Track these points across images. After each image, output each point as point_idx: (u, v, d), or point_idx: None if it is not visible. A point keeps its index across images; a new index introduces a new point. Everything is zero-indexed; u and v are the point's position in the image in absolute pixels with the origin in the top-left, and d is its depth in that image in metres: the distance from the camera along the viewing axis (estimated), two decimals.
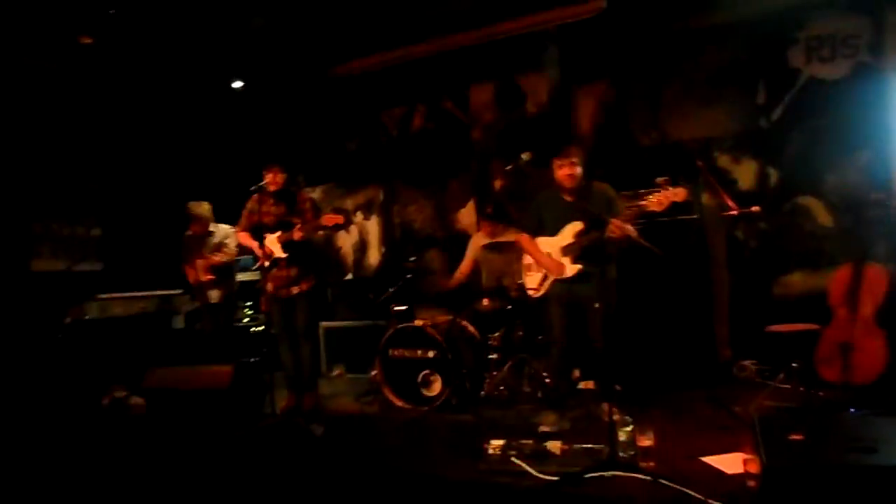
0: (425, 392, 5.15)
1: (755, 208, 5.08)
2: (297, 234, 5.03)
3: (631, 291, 4.67)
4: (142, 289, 6.71)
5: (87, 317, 6.26)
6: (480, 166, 7.10)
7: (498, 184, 6.93)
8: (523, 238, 4.80)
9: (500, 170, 6.79)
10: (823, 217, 5.63)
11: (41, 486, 3.91)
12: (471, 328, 5.50)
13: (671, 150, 6.12)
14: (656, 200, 3.95)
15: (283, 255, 5.13)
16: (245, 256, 6.12)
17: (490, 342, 5.34)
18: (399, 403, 5.24)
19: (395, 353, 5.30)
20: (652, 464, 3.40)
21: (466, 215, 7.13)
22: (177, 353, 6.21)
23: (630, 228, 4.23)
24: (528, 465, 3.53)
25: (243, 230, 5.38)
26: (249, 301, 7.01)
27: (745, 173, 5.91)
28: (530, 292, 4.82)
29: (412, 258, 6.12)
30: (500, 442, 3.77)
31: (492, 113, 7.07)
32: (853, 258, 4.66)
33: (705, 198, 5.59)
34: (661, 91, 6.24)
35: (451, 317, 5.48)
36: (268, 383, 5.01)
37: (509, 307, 5.36)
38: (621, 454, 3.44)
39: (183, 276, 6.31)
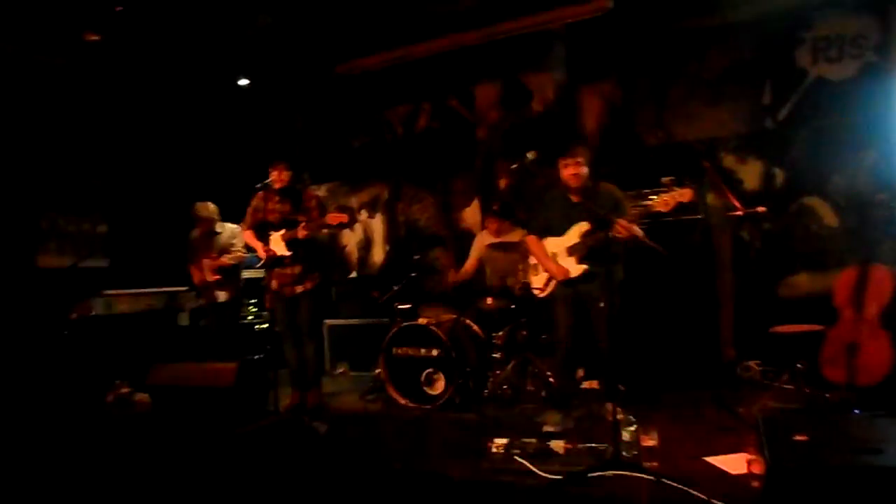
0: (429, 390, 5.15)
1: (761, 209, 5.08)
2: (301, 233, 5.04)
3: (635, 291, 4.66)
4: (147, 285, 6.72)
5: (92, 313, 6.27)
6: (485, 165, 7.10)
7: (503, 183, 6.92)
8: (530, 240, 4.79)
9: (505, 169, 6.78)
10: (829, 218, 5.62)
11: (46, 482, 3.92)
12: (475, 327, 5.50)
13: (677, 149, 6.11)
14: (662, 200, 3.95)
15: (288, 253, 5.14)
16: (251, 254, 6.14)
17: (494, 341, 5.34)
18: (402, 402, 5.24)
19: (399, 351, 5.31)
20: (655, 464, 3.40)
21: (471, 214, 7.13)
22: (181, 350, 6.23)
23: (636, 229, 4.23)
24: (531, 463, 3.53)
25: (248, 228, 5.40)
26: (254, 299, 7.03)
27: (751, 174, 5.90)
28: (536, 292, 4.82)
29: (417, 256, 6.12)
30: (504, 441, 3.77)
31: (497, 112, 7.07)
32: (859, 259, 4.65)
33: (711, 198, 5.56)
34: (666, 91, 6.23)
35: (455, 315, 5.48)
36: (272, 381, 5.02)
37: (513, 306, 5.36)
38: (625, 454, 3.43)
39: (188, 275, 6.33)
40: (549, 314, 4.77)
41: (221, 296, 6.15)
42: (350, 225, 5.13)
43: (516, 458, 3.62)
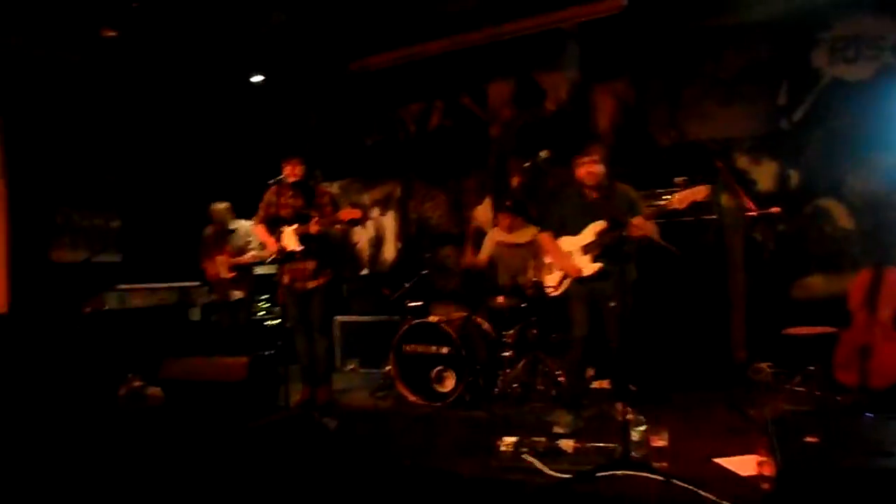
0: (439, 388, 5.16)
1: (775, 210, 5.04)
2: (314, 228, 5.04)
3: (648, 291, 4.64)
4: (160, 281, 6.77)
5: (105, 307, 6.32)
6: (498, 163, 7.09)
7: (515, 181, 6.92)
8: (544, 237, 4.79)
9: (518, 167, 6.78)
10: (844, 219, 5.57)
11: (58, 475, 3.96)
12: (485, 325, 5.51)
13: (690, 149, 6.08)
14: (677, 199, 3.93)
15: (300, 248, 5.15)
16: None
17: (504, 339, 5.34)
18: (412, 399, 5.25)
19: (410, 348, 5.32)
20: (665, 464, 3.39)
21: (483, 212, 7.13)
22: (193, 344, 6.27)
23: (652, 227, 4.22)
24: (540, 462, 3.54)
25: (260, 222, 5.42)
26: (265, 294, 7.06)
27: (765, 174, 5.86)
28: (549, 290, 4.80)
29: (428, 254, 6.12)
30: (513, 439, 3.77)
31: (510, 110, 7.06)
32: (873, 261, 4.62)
33: (724, 199, 5.52)
34: (680, 90, 6.20)
35: (465, 313, 5.49)
36: (282, 376, 5.04)
37: (524, 305, 5.36)
38: (634, 454, 3.43)
39: (201, 271, 6.37)
40: (563, 313, 4.75)
41: (235, 294, 6.20)
42: (362, 221, 5.15)
43: (525, 456, 3.62)
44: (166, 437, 4.54)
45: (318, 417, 4.83)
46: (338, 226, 5.29)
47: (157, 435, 4.65)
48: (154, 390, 5.63)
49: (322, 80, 7.68)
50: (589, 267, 4.47)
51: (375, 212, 7.87)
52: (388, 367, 5.56)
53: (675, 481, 3.16)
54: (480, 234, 6.33)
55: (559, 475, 3.39)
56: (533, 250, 5.45)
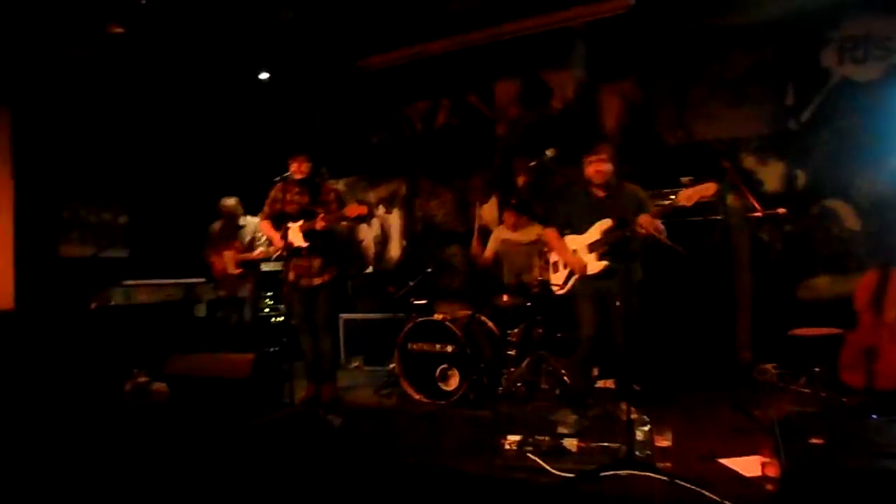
0: (443, 386, 5.16)
1: (781, 210, 5.02)
2: (319, 224, 5.05)
3: (653, 291, 4.64)
4: (166, 276, 6.79)
5: (111, 303, 6.34)
6: (504, 162, 7.09)
7: (521, 180, 6.91)
8: (549, 233, 4.78)
9: (524, 166, 6.77)
10: (851, 220, 5.56)
11: (64, 470, 3.97)
12: (490, 324, 5.50)
13: (696, 149, 6.07)
14: (685, 195, 3.91)
15: (305, 245, 5.16)
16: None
17: (509, 338, 5.35)
18: (417, 397, 5.26)
19: (414, 346, 5.32)
20: (669, 464, 3.39)
21: (489, 211, 7.13)
22: (199, 340, 6.29)
23: (660, 225, 4.22)
24: (544, 461, 3.53)
25: (266, 218, 5.42)
26: (271, 291, 7.07)
27: (772, 175, 5.84)
28: (555, 289, 4.79)
29: (429, 269, 6.09)
30: (517, 438, 3.77)
31: (517, 109, 7.06)
32: (880, 262, 4.60)
33: (730, 199, 5.53)
34: (687, 90, 6.19)
35: (470, 312, 5.49)
36: (287, 373, 5.05)
37: (529, 304, 5.35)
38: (638, 453, 3.42)
39: (207, 266, 6.39)
40: (569, 312, 4.75)
41: (242, 290, 6.21)
42: (368, 218, 5.15)
43: (529, 455, 3.62)
44: (171, 433, 4.56)
45: (322, 415, 4.84)
46: (343, 223, 5.29)
47: (162, 431, 4.67)
48: (159, 386, 5.65)
49: (329, 78, 7.68)
50: (595, 265, 4.47)
51: (381, 210, 7.88)
52: (392, 365, 5.57)
53: (678, 481, 3.16)
54: (486, 232, 6.33)
55: (563, 474, 3.38)
56: (538, 249, 5.45)
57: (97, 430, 4.77)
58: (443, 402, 5.09)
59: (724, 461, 3.50)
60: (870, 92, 5.48)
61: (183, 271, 6.80)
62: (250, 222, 6.24)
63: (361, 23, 6.43)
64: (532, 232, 5.66)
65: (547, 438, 3.76)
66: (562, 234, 4.69)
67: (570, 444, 3.68)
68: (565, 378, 4.96)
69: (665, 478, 3.21)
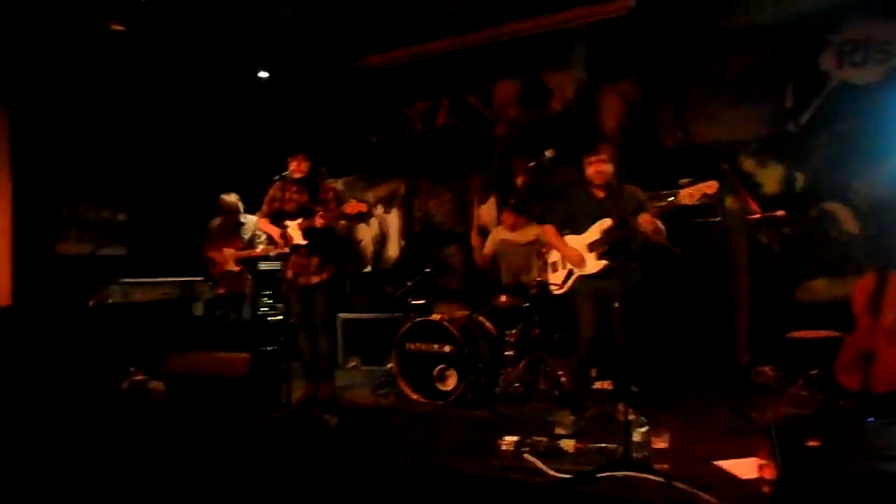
0: (440, 386, 5.16)
1: (780, 213, 5.03)
2: (318, 221, 5.04)
3: (652, 293, 4.64)
4: (164, 275, 6.78)
5: (109, 301, 6.34)
6: (503, 162, 7.09)
7: (520, 180, 6.91)
8: (547, 229, 4.78)
9: (523, 166, 6.77)
10: (849, 223, 5.56)
11: (61, 468, 3.97)
12: (488, 324, 5.51)
13: (696, 151, 6.07)
14: (687, 193, 3.90)
15: (304, 242, 5.15)
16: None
17: (507, 339, 5.34)
18: (414, 397, 5.26)
19: (412, 346, 5.32)
20: (666, 466, 3.39)
21: (487, 211, 7.13)
22: (197, 339, 6.28)
23: (660, 225, 4.22)
24: (540, 462, 3.53)
25: (264, 216, 5.42)
26: (269, 290, 7.06)
27: (771, 177, 5.85)
28: (553, 288, 4.79)
29: (427, 269, 6.08)
30: (514, 438, 3.77)
31: (516, 109, 7.06)
32: (877, 265, 4.60)
33: (729, 201, 5.53)
34: (687, 91, 6.19)
35: (468, 312, 5.49)
36: (285, 372, 5.04)
37: (527, 304, 5.35)
38: (635, 455, 3.42)
39: (205, 264, 6.37)
40: (566, 312, 4.74)
41: (243, 287, 6.20)
42: (368, 216, 5.15)
43: (526, 456, 3.61)
44: (168, 432, 4.55)
45: (319, 414, 4.83)
46: (342, 221, 5.29)
47: (159, 429, 4.66)
48: (156, 384, 5.64)
49: (328, 77, 7.68)
50: (595, 264, 4.47)
51: (380, 209, 7.88)
52: (390, 365, 5.57)
53: (675, 483, 3.15)
54: (485, 232, 6.33)
55: (560, 475, 3.38)
56: (536, 249, 5.45)
57: (94, 428, 4.76)
58: (440, 403, 5.09)
59: (720, 463, 3.50)
60: (869, 95, 5.49)
61: (181, 269, 6.79)
62: (250, 220, 6.23)
63: (361, 22, 6.43)
64: (530, 232, 5.66)
65: (544, 439, 3.76)
66: (560, 233, 4.69)
67: (567, 444, 3.68)
68: (563, 379, 4.96)
69: (662, 479, 3.21)
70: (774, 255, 5.75)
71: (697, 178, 4.09)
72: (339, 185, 7.77)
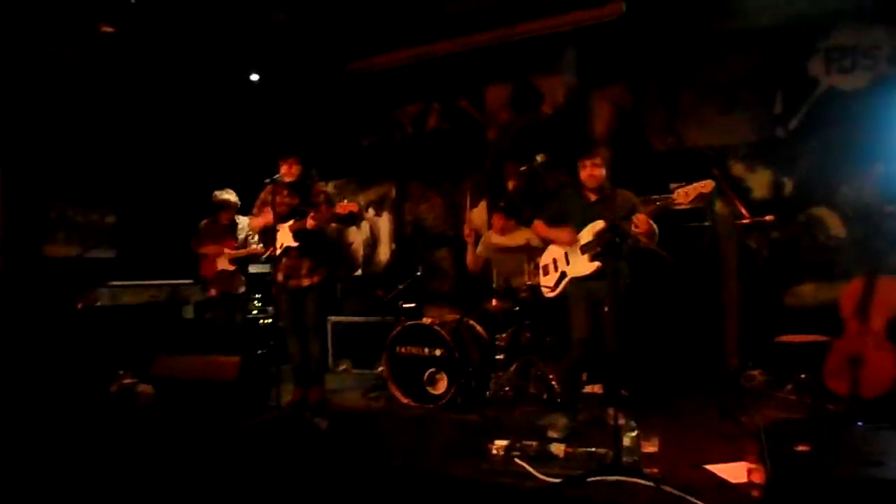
0: (431, 390, 5.15)
1: (768, 217, 5.05)
2: (309, 223, 5.02)
3: (641, 297, 4.65)
4: (153, 278, 6.75)
5: (98, 303, 6.30)
6: (494, 166, 7.09)
7: (511, 184, 6.92)
8: (536, 223, 4.79)
9: (514, 170, 6.78)
10: (837, 228, 5.60)
11: (49, 471, 3.94)
12: (478, 328, 5.51)
13: (686, 156, 6.09)
14: (682, 193, 3.88)
15: (295, 244, 5.14)
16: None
17: (497, 342, 5.34)
18: (405, 400, 5.25)
19: (403, 350, 5.31)
20: (655, 470, 3.40)
21: (478, 215, 7.14)
22: (186, 342, 6.25)
23: (654, 226, 4.23)
24: (531, 466, 3.53)
25: (255, 217, 5.42)
26: (258, 294, 7.04)
27: (760, 182, 5.88)
28: (545, 291, 4.79)
29: (418, 273, 6.08)
30: (504, 442, 3.76)
31: (507, 113, 7.07)
32: (865, 270, 4.63)
33: (719, 206, 5.56)
34: (677, 97, 6.22)
35: (459, 316, 5.49)
36: (274, 376, 5.03)
37: (517, 308, 5.36)
38: (625, 459, 3.43)
39: (195, 265, 6.33)
40: (557, 316, 4.75)
41: (235, 288, 6.17)
42: (359, 217, 5.13)
43: (516, 460, 3.61)
44: (157, 436, 4.53)
45: (309, 417, 4.82)
46: (333, 224, 5.27)
47: (148, 433, 4.63)
48: (145, 388, 5.61)
49: (319, 80, 7.67)
50: (587, 266, 4.47)
51: (370, 212, 7.87)
52: (380, 368, 5.56)
53: (665, 487, 3.17)
54: (476, 237, 6.33)
55: (550, 479, 3.38)
56: (527, 253, 5.45)
57: (82, 432, 4.73)
58: (431, 406, 5.08)
59: (710, 467, 3.51)
60: (856, 101, 5.54)
61: (171, 272, 6.76)
62: (243, 221, 6.20)
63: (353, 26, 6.42)
64: (520, 236, 5.66)
65: (534, 443, 3.75)
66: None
67: (558, 449, 3.68)
68: (553, 383, 4.97)
69: (651, 484, 3.22)
70: (763, 260, 5.77)
71: (688, 183, 4.09)
72: (329, 188, 7.75)
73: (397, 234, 7.75)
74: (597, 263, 4.42)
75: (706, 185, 3.83)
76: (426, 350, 5.20)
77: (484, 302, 5.54)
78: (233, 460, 3.99)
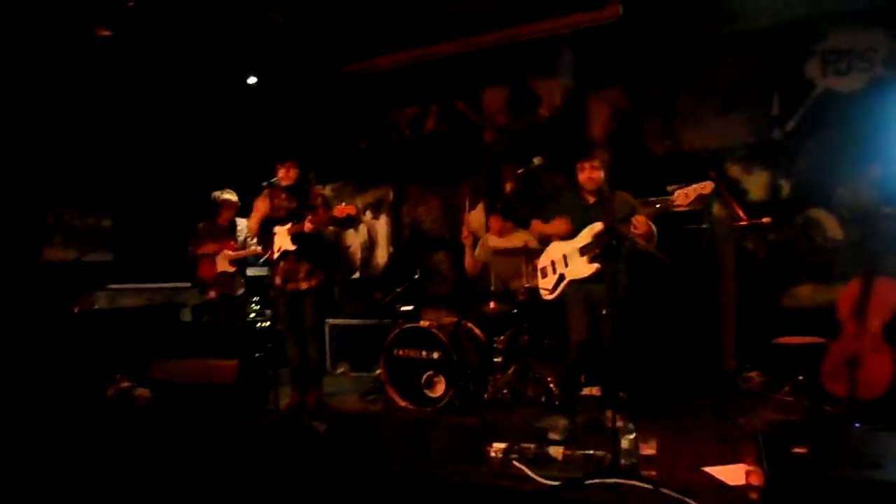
0: (429, 393, 5.15)
1: (766, 219, 5.06)
2: (308, 226, 5.01)
3: (639, 299, 4.66)
4: (151, 281, 6.74)
5: (95, 307, 6.29)
6: (492, 169, 7.10)
7: (508, 187, 6.93)
8: (534, 222, 4.81)
9: (512, 173, 6.79)
10: (834, 230, 5.61)
11: (46, 475, 3.93)
12: (476, 330, 5.50)
13: (683, 158, 6.10)
14: (683, 194, 3.88)
15: (293, 248, 5.14)
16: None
17: (495, 345, 5.34)
18: (402, 403, 5.24)
19: (400, 352, 5.31)
20: (653, 472, 3.40)
21: (476, 218, 7.13)
22: (183, 345, 6.24)
23: (653, 227, 4.24)
24: (529, 469, 3.53)
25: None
26: (256, 296, 7.03)
27: (757, 184, 5.90)
28: (543, 293, 4.79)
29: (416, 275, 6.08)
30: (502, 445, 3.77)
31: (505, 116, 7.08)
32: (862, 272, 4.64)
33: (716, 208, 5.57)
34: (674, 99, 6.23)
35: (456, 318, 5.48)
36: (272, 379, 5.02)
37: (515, 311, 5.36)
38: (623, 461, 3.43)
39: (193, 268, 6.32)
40: (555, 319, 4.75)
41: (234, 290, 6.16)
42: (357, 219, 5.13)
43: (514, 462, 3.62)
44: (154, 439, 4.52)
45: (307, 421, 4.82)
46: (331, 227, 5.27)
47: (145, 437, 4.63)
48: (142, 391, 5.60)
49: (317, 83, 7.67)
50: (586, 268, 4.48)
51: (368, 215, 7.87)
52: (378, 372, 5.55)
53: (663, 489, 3.17)
54: (474, 239, 6.33)
55: (548, 482, 3.38)
56: (525, 255, 5.45)
57: (79, 435, 4.72)
58: (428, 409, 5.07)
59: (708, 469, 3.51)
60: (853, 103, 5.55)
61: (168, 275, 6.75)
62: (242, 223, 6.20)
63: (351, 28, 6.42)
64: (518, 238, 5.66)
65: (533, 446, 3.76)
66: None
67: (556, 451, 3.68)
68: (551, 385, 4.97)
69: (650, 486, 3.22)
70: (760, 262, 5.79)
71: (686, 185, 4.10)
72: (327, 190, 7.75)
73: (395, 237, 7.75)
74: (595, 265, 4.43)
75: (705, 187, 3.83)
76: (424, 353, 5.20)
77: (482, 304, 5.54)
78: (231, 464, 3.99)
